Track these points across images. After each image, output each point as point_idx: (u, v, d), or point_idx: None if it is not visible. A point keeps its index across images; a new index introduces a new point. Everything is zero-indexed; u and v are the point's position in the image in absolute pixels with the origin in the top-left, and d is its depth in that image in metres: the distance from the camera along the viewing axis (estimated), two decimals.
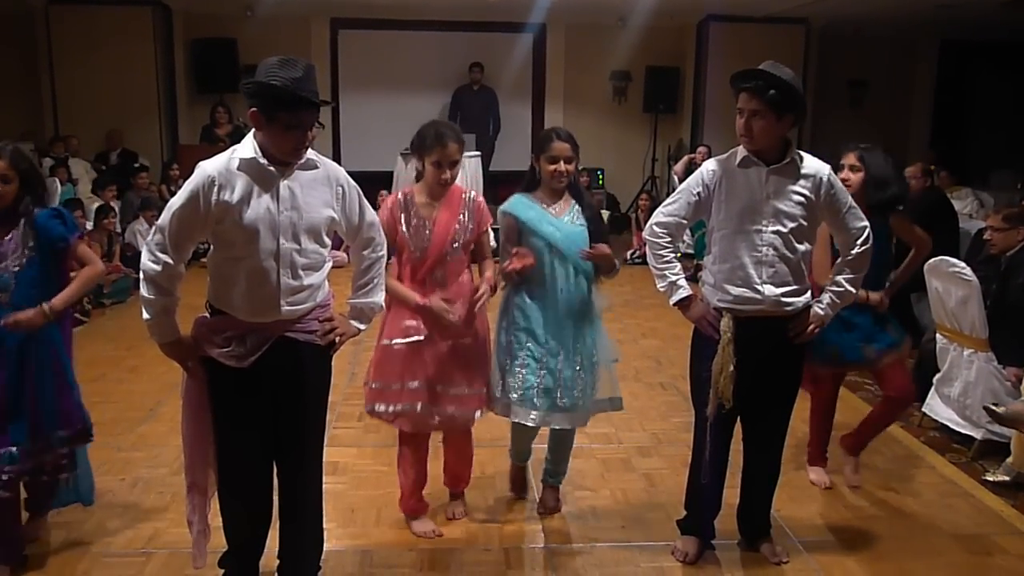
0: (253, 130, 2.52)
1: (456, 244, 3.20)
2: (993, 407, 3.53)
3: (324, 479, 3.75)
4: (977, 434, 4.17)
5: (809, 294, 3.03)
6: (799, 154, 2.97)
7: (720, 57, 10.87)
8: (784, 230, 2.89)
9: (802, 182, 2.93)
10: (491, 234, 3.37)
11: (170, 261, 2.49)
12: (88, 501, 3.32)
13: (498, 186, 10.54)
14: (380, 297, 2.88)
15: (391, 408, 3.21)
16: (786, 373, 3.10)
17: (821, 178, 2.94)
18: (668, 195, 10.62)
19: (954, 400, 4.32)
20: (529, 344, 3.24)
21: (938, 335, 4.50)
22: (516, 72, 11.33)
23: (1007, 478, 3.88)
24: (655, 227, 3.07)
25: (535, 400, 3.22)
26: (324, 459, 3.95)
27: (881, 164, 3.60)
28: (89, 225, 7.59)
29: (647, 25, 10.86)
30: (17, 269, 2.82)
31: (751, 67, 2.92)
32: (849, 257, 3.02)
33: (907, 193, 3.95)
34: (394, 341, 3.18)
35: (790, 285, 2.94)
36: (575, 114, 11.05)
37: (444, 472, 3.57)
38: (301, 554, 2.80)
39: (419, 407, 3.18)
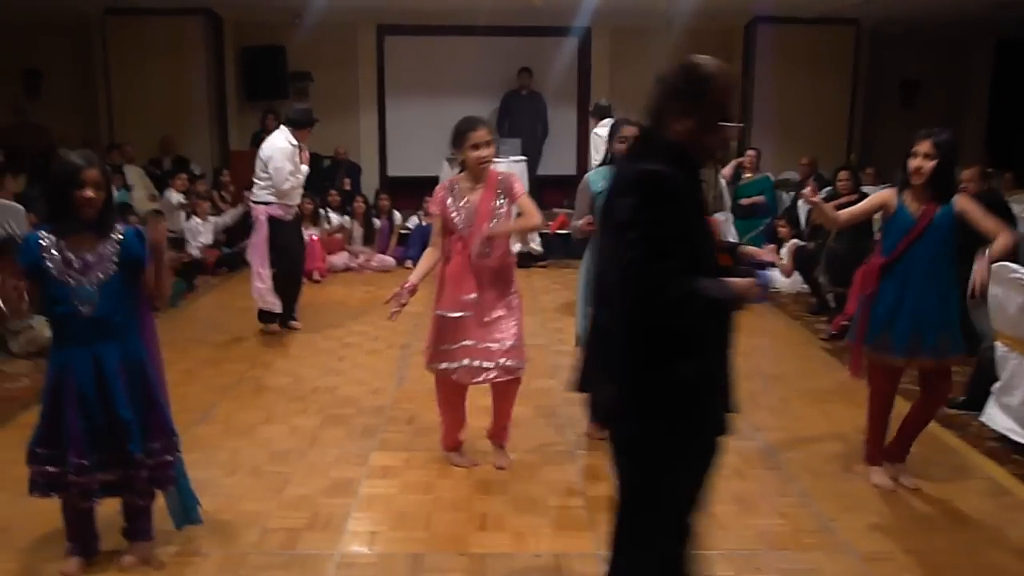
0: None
1: (496, 220, 3.73)
2: None
3: (373, 483, 3.82)
4: None
5: None
6: None
7: (769, 59, 10.75)
8: None
9: None
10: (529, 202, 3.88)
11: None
12: (197, 520, 3.26)
13: (544, 190, 10.58)
14: None
15: (448, 364, 3.77)
16: None
17: None
18: (715, 199, 10.53)
19: (1015, 409, 4.21)
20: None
21: (998, 343, 4.39)
22: (561, 76, 11.29)
23: None
24: None
25: None
26: (373, 463, 4.02)
27: (953, 150, 3.57)
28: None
29: (693, 27, 10.75)
30: (101, 282, 2.86)
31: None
32: None
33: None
34: (448, 313, 3.73)
35: None
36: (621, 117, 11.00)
37: (491, 425, 4.06)
38: None
39: (472, 362, 3.73)
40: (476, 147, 3.70)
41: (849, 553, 3.26)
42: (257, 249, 6.47)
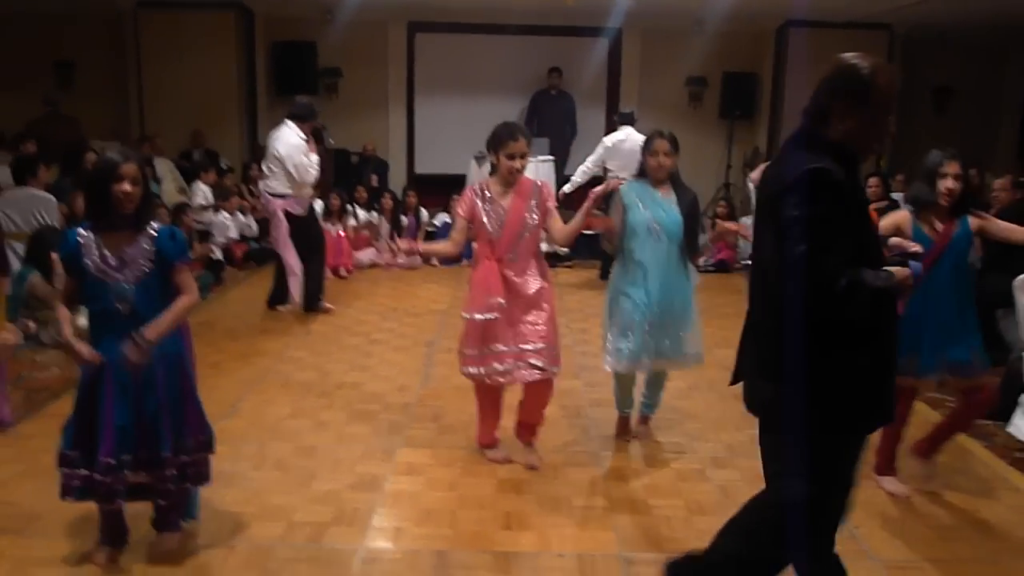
0: None
1: (528, 225, 3.76)
2: None
3: (399, 479, 3.84)
4: None
5: None
6: None
7: (800, 63, 10.64)
8: None
9: None
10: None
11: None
12: (192, 515, 3.29)
13: (571, 191, 10.56)
14: None
15: (480, 370, 3.81)
16: None
17: None
18: (743, 203, 10.48)
19: None
20: (628, 303, 3.97)
21: None
22: (591, 77, 11.28)
23: None
24: None
25: (628, 352, 3.96)
26: (398, 460, 4.04)
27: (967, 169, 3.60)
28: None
29: (724, 30, 10.72)
30: (137, 280, 2.88)
31: None
32: None
33: None
34: (475, 315, 3.73)
35: None
36: (650, 119, 10.93)
37: (517, 424, 4.07)
38: None
39: (504, 366, 3.76)
40: (512, 157, 3.72)
41: (873, 560, 3.24)
42: (285, 244, 6.70)
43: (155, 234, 2.92)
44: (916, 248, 3.04)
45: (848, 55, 2.27)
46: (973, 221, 3.60)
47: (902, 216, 3.67)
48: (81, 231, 2.90)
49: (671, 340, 4.03)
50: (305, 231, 6.88)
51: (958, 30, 10.72)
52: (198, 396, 3.11)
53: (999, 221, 3.62)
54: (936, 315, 3.57)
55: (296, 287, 6.89)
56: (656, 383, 4.33)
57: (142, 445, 2.91)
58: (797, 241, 2.07)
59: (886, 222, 3.70)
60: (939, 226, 3.58)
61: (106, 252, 2.86)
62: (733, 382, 2.54)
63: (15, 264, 5.61)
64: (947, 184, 3.51)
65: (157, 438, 2.92)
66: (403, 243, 3.97)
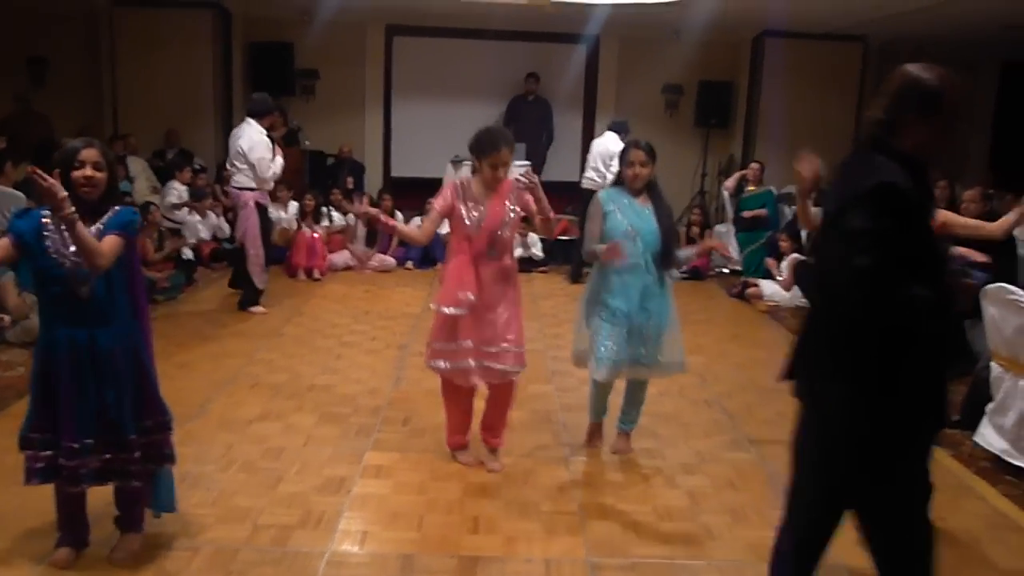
0: None
1: (506, 225, 3.81)
2: None
3: (366, 482, 3.81)
4: None
5: None
6: None
7: (776, 73, 10.78)
8: None
9: None
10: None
11: None
12: (172, 509, 3.26)
13: (547, 196, 10.56)
14: None
15: (446, 364, 3.83)
16: None
17: None
18: (717, 211, 10.55)
19: (1008, 430, 4.21)
20: (605, 312, 3.95)
21: (993, 363, 4.39)
22: (568, 83, 11.32)
23: None
24: None
25: (608, 359, 3.91)
26: (367, 463, 4.02)
27: None
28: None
29: (701, 39, 10.79)
30: None
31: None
32: None
33: None
34: (444, 308, 3.76)
35: None
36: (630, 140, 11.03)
37: (481, 428, 4.07)
38: None
39: (470, 363, 3.79)
40: (494, 167, 3.76)
41: (838, 569, 3.26)
42: (254, 234, 6.91)
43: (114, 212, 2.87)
44: (981, 258, 3.06)
45: (913, 66, 2.28)
46: (937, 215, 3.60)
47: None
48: (45, 211, 2.83)
49: (648, 348, 4.01)
50: (266, 225, 7.13)
51: (931, 44, 10.85)
52: (156, 382, 3.07)
53: (958, 217, 3.63)
54: None
55: (260, 277, 7.02)
56: (635, 398, 4.26)
57: (105, 429, 2.88)
58: (863, 253, 2.11)
59: None
60: None
61: (66, 236, 2.78)
62: (785, 378, 2.61)
63: None
64: (966, 208, 3.57)
65: (120, 422, 2.89)
66: (363, 207, 3.96)
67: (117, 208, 2.90)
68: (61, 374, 2.85)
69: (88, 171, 2.80)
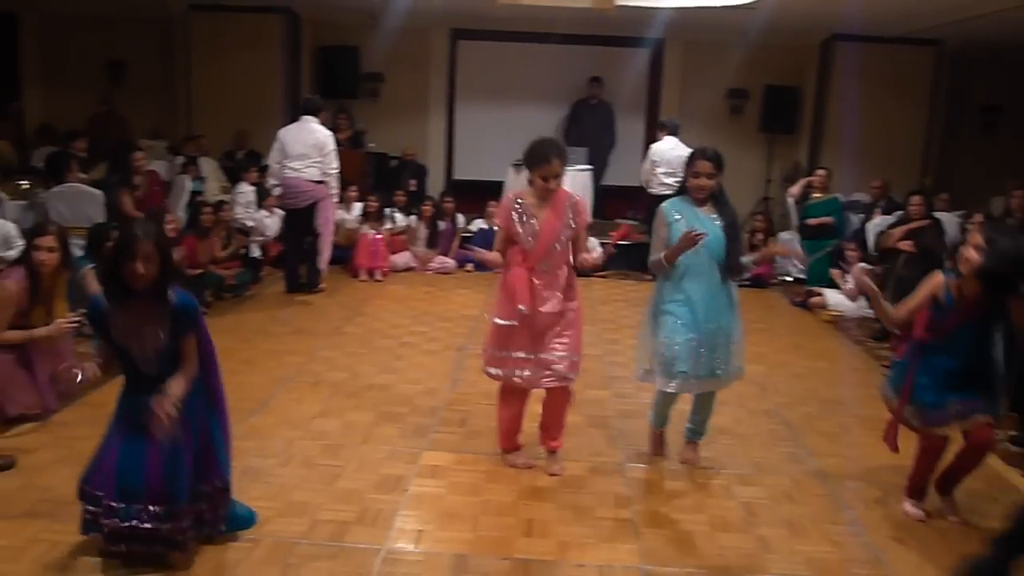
0: None
1: (561, 239, 3.81)
2: None
3: (422, 481, 3.86)
4: None
5: None
6: None
7: (846, 78, 10.55)
8: None
9: None
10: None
11: None
12: (252, 522, 3.34)
13: (608, 201, 10.55)
14: None
15: (500, 371, 3.91)
16: None
17: None
18: (782, 218, 10.36)
19: None
20: (673, 323, 3.91)
21: None
22: (631, 87, 11.27)
23: None
24: None
25: (679, 373, 3.89)
26: (423, 462, 4.06)
27: (1009, 246, 3.38)
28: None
29: (768, 43, 10.64)
30: (156, 350, 2.94)
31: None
32: None
33: None
34: (499, 320, 3.85)
35: None
36: (690, 130, 10.85)
37: (540, 429, 4.12)
38: None
39: (524, 372, 3.86)
40: (546, 179, 3.76)
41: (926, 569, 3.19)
42: (333, 223, 7.75)
43: (173, 303, 2.95)
44: None
45: None
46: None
47: (938, 282, 3.59)
48: (102, 301, 2.95)
49: (718, 357, 3.95)
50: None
51: (1010, 47, 10.53)
52: (222, 448, 3.16)
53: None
54: (963, 369, 3.54)
55: (325, 263, 7.76)
56: (704, 407, 4.19)
57: (156, 496, 2.93)
58: None
59: (926, 289, 3.61)
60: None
61: (125, 321, 2.92)
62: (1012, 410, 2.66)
63: None
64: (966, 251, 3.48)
65: (173, 487, 2.95)
66: (464, 253, 4.02)
67: (173, 298, 2.95)
68: (125, 430, 2.96)
69: (139, 267, 2.84)
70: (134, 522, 2.92)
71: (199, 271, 7.13)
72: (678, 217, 3.93)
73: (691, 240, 3.71)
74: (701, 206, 3.96)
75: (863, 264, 7.80)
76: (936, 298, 3.57)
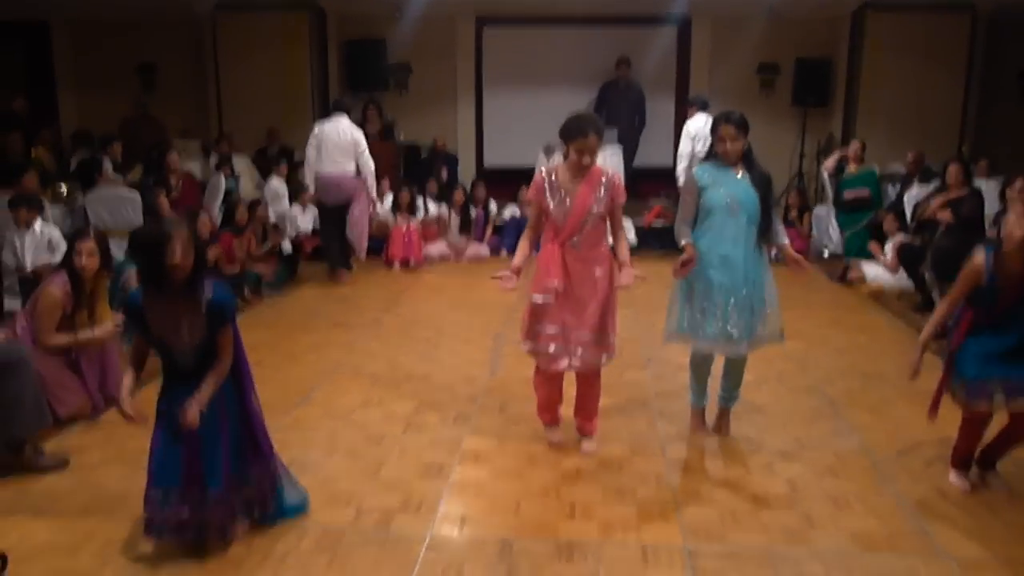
0: None
1: (592, 214, 3.81)
2: None
3: (465, 468, 3.89)
4: None
5: None
6: None
7: (878, 48, 10.39)
8: None
9: None
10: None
11: None
12: (304, 509, 3.43)
13: (640, 181, 10.50)
14: None
15: (532, 347, 3.94)
16: None
17: None
18: (817, 192, 10.23)
19: None
20: (707, 286, 3.93)
21: None
22: (659, 66, 11.18)
23: None
24: None
25: (711, 334, 3.94)
26: (465, 449, 4.10)
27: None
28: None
29: (797, 16, 10.49)
30: (195, 343, 3.02)
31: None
32: None
33: None
34: (534, 296, 3.86)
35: None
36: (720, 107, 10.74)
37: (575, 413, 4.15)
38: None
39: (553, 348, 3.87)
40: (581, 152, 3.76)
41: (946, 559, 3.16)
42: (366, 218, 8.07)
43: (209, 297, 3.00)
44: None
45: None
46: None
47: (979, 265, 3.49)
48: (140, 295, 3.02)
49: (757, 318, 3.97)
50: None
51: None
52: (263, 437, 3.26)
53: None
54: (1014, 346, 3.47)
55: (362, 250, 8.16)
56: (735, 372, 4.22)
57: (190, 482, 3.01)
58: None
59: (964, 280, 3.52)
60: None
61: (162, 316, 2.99)
62: None
63: None
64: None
65: (210, 473, 3.03)
66: (501, 283, 3.85)
67: (209, 293, 3.01)
68: (170, 422, 3.03)
69: (177, 254, 2.88)
70: (176, 510, 3.01)
71: (238, 269, 7.23)
72: (710, 181, 3.96)
73: (687, 267, 3.89)
74: (732, 167, 3.99)
75: (901, 235, 7.70)
76: (979, 281, 3.49)
